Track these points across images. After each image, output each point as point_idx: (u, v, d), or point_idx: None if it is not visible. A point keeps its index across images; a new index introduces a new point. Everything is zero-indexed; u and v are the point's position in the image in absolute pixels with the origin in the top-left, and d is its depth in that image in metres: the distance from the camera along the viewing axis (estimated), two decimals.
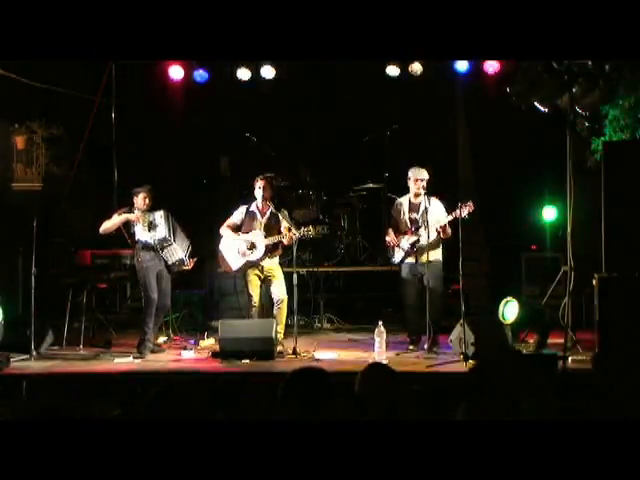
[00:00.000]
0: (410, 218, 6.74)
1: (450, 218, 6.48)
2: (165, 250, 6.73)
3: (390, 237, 6.79)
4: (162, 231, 6.70)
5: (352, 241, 8.80)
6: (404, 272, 6.79)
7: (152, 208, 6.77)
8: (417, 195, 6.74)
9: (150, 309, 6.67)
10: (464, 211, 6.34)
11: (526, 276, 8.21)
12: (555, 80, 6.23)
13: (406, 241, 6.69)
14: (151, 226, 6.69)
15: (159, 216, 6.75)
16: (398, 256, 6.80)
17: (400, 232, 6.80)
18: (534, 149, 8.67)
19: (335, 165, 9.14)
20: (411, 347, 6.72)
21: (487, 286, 8.49)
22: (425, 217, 6.55)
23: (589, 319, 6.47)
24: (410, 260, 6.71)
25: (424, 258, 6.55)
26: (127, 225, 6.74)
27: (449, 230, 6.51)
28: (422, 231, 6.59)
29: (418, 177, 6.70)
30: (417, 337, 6.75)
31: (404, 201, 6.86)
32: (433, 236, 6.56)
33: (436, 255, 6.68)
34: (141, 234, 6.70)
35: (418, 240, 6.63)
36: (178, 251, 6.81)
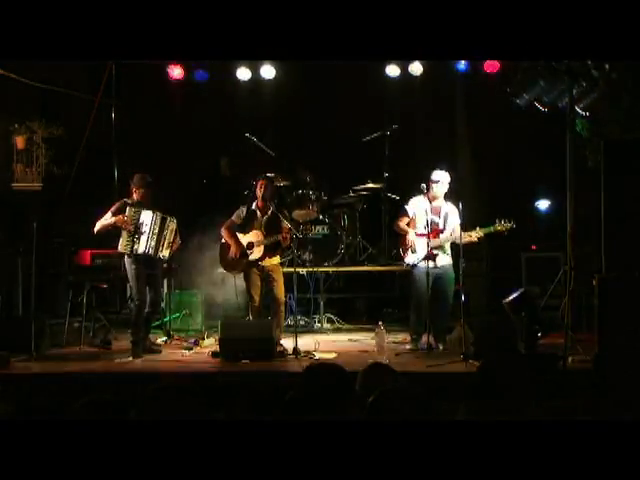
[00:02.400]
0: (432, 221, 6.71)
1: (489, 230, 6.60)
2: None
3: (412, 237, 6.75)
4: (142, 244, 6.57)
5: (352, 241, 8.80)
6: (418, 271, 6.74)
7: (152, 204, 6.72)
8: (435, 198, 6.75)
9: (141, 313, 6.62)
10: (504, 225, 6.53)
11: (526, 276, 8.21)
12: (555, 80, 6.22)
13: (425, 243, 6.65)
14: (135, 233, 6.54)
15: (147, 222, 6.60)
16: (413, 257, 6.75)
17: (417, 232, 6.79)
18: (534, 149, 8.68)
19: (335, 165, 9.14)
20: (410, 346, 6.72)
21: (487, 286, 8.49)
22: (447, 222, 6.68)
23: (589, 319, 6.47)
24: (424, 262, 6.67)
25: (439, 261, 6.61)
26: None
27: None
28: (443, 235, 6.65)
29: (440, 179, 6.75)
30: (418, 336, 6.75)
31: (424, 202, 6.82)
32: (450, 240, 6.69)
33: (448, 259, 6.74)
34: (123, 246, 6.55)
35: (439, 244, 6.67)
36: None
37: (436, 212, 6.76)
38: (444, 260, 6.71)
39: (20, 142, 8.54)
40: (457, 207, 6.67)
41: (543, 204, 8.84)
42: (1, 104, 8.26)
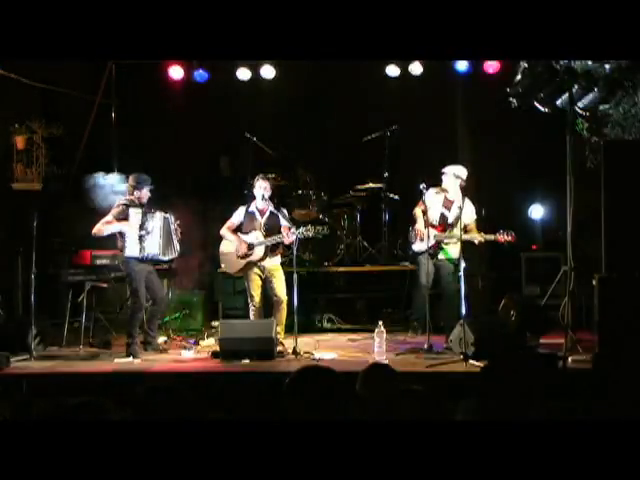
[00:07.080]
0: (442, 214, 6.70)
1: (490, 238, 6.58)
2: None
3: (419, 227, 6.74)
4: (154, 246, 6.57)
5: (352, 241, 8.80)
6: (422, 256, 6.75)
7: (149, 208, 6.70)
8: (445, 191, 6.73)
9: (139, 314, 6.60)
10: (505, 237, 6.50)
11: (526, 276, 8.21)
12: (555, 80, 6.23)
13: (433, 236, 6.63)
14: (143, 237, 6.52)
15: (156, 224, 6.59)
16: (421, 245, 6.71)
17: (427, 223, 6.74)
18: (534, 149, 8.67)
19: (335, 165, 9.14)
20: (410, 333, 6.72)
21: (487, 286, 8.49)
22: (459, 217, 6.61)
23: (589, 319, 6.47)
24: (429, 252, 6.66)
25: (443, 254, 6.61)
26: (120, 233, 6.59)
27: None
28: (447, 234, 6.63)
29: (445, 172, 6.79)
30: (419, 324, 6.76)
31: (438, 194, 6.80)
32: (455, 239, 6.64)
33: (455, 252, 6.71)
34: (131, 249, 6.50)
35: (444, 239, 6.63)
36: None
37: (447, 206, 6.75)
38: (450, 252, 6.67)
39: (20, 142, 8.53)
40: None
41: (536, 212, 8.82)
42: (1, 104, 8.26)
